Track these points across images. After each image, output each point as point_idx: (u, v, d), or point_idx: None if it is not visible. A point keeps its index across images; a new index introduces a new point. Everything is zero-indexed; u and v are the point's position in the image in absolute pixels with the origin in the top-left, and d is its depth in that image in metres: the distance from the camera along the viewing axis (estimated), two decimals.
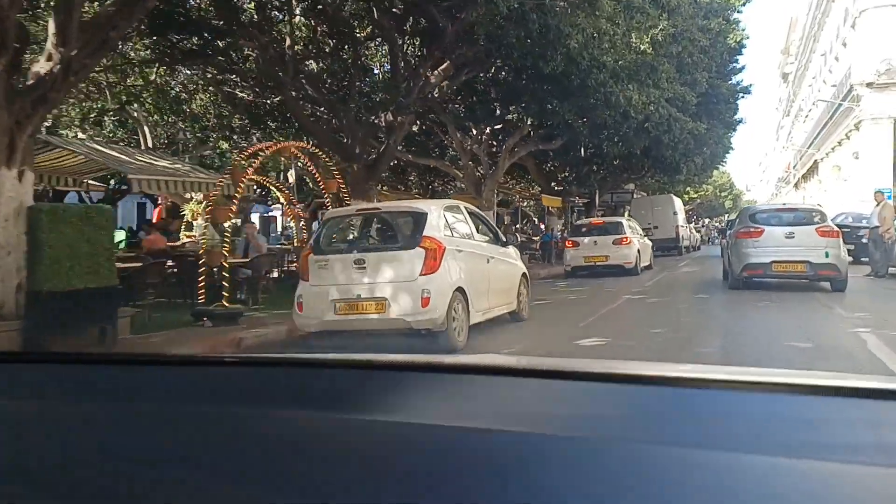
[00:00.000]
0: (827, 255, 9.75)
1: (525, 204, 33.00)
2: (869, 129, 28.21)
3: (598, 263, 15.58)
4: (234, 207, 8.08)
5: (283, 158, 15.31)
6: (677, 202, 26.72)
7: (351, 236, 7.15)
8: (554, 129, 17.34)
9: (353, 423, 0.80)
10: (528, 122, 17.09)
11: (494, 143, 19.08)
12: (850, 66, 29.41)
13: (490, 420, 0.77)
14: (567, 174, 24.92)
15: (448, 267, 6.28)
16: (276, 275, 11.63)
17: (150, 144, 17.96)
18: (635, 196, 30.69)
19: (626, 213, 28.80)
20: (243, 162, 8.70)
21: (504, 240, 8.16)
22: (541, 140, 19.05)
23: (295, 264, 10.60)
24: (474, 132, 18.24)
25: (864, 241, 13.97)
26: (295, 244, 11.26)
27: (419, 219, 6.48)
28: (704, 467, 0.64)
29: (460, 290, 6.38)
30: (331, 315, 6.18)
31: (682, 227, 26.40)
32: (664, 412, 0.83)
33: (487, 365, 1.10)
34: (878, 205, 12.78)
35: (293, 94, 12.52)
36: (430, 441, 0.73)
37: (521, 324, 7.97)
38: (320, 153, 9.79)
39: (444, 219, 6.68)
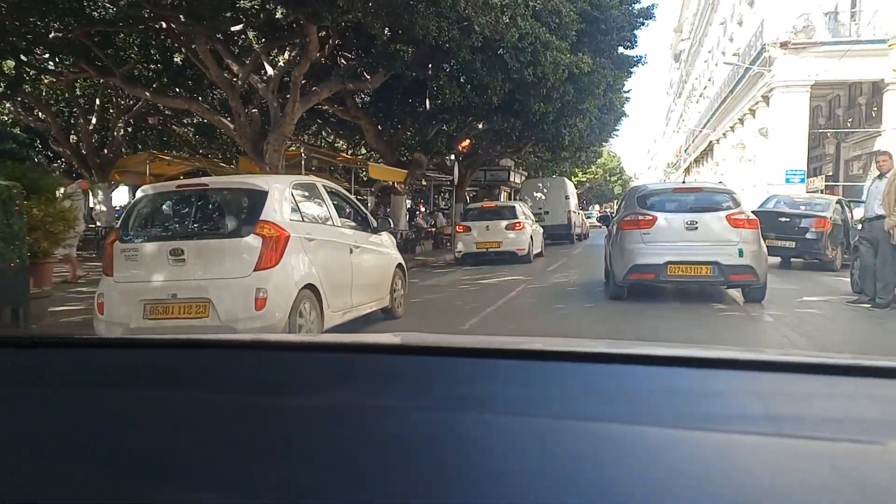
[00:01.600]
0: (741, 254, 7.27)
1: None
2: (781, 100, 25.27)
3: (490, 250, 15.08)
4: None
5: None
6: (570, 186, 25.86)
7: (169, 219, 5.75)
8: (365, 56, 13.67)
9: (300, 407, 0.81)
10: (323, 38, 12.59)
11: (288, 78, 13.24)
12: (762, 24, 24.52)
13: (375, 398, 0.82)
14: (410, 137, 18.26)
15: (293, 259, 5.25)
16: None
17: None
18: (524, 178, 29.75)
19: (517, 197, 27.90)
20: None
21: (375, 225, 7.12)
22: (350, 75, 14.35)
23: None
24: (246, 60, 13.17)
25: (810, 236, 11.57)
26: None
27: (257, 198, 5.33)
28: (605, 439, 0.68)
29: (311, 287, 5.39)
30: (139, 320, 5.04)
31: (575, 212, 25.35)
32: (565, 387, 0.86)
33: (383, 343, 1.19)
34: (879, 177, 7.55)
35: None
36: (372, 423, 0.75)
37: (395, 322, 7.18)
38: None
39: (291, 199, 5.59)
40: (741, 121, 31.14)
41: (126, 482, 0.66)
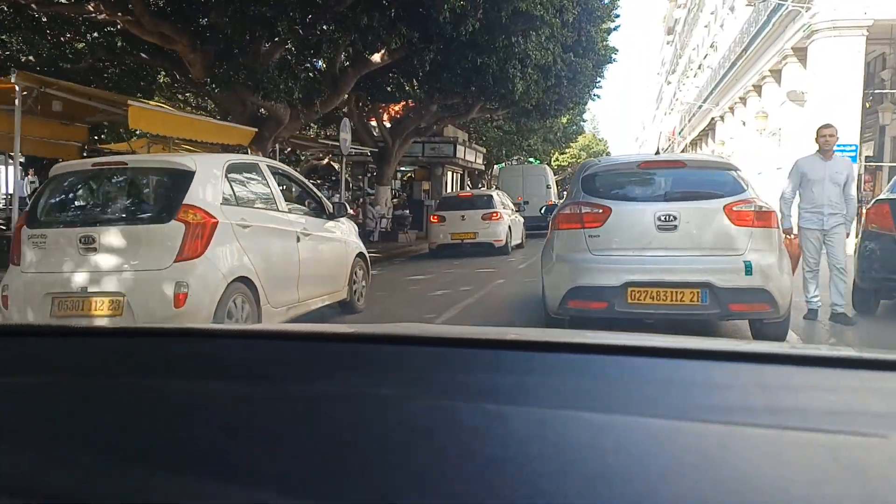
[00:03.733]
0: (748, 270, 4.84)
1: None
2: (825, 49, 18.52)
3: (465, 241, 14.67)
4: None
5: None
6: (549, 174, 25.16)
7: (83, 202, 5.39)
8: None
9: (303, 394, 0.84)
10: None
11: None
12: None
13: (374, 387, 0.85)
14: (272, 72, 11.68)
15: (223, 249, 4.89)
16: None
17: None
18: (482, 155, 28.06)
19: (482, 181, 28.21)
20: None
21: (331, 210, 6.66)
22: None
23: None
24: None
25: None
26: None
27: (181, 179, 4.91)
28: (606, 429, 0.70)
29: (244, 279, 5.04)
30: (45, 317, 4.72)
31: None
32: (566, 377, 0.89)
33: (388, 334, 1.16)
34: None
35: None
36: (379, 412, 0.77)
37: (354, 317, 6.88)
38: None
39: (223, 181, 5.18)
40: (757, 88, 24.70)
41: (124, 471, 0.68)
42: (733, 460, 0.63)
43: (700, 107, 39.03)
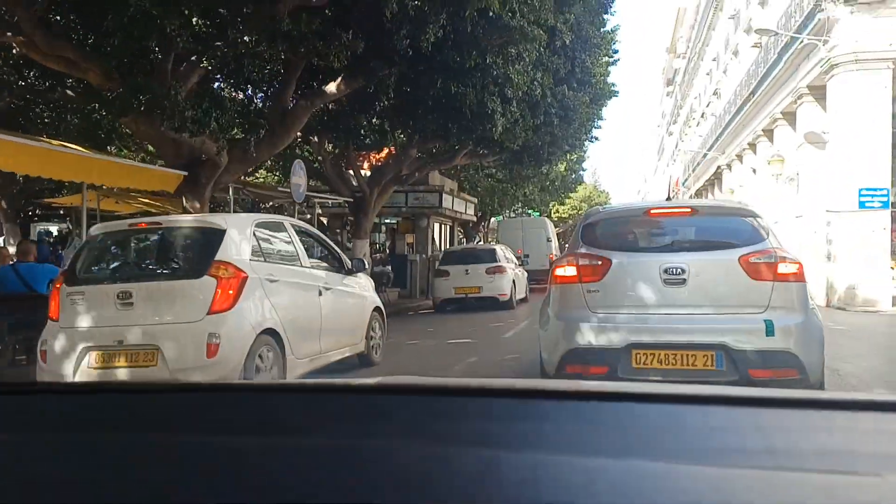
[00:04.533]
0: (769, 330, 4.41)
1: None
2: (847, 83, 16.58)
3: (469, 295, 14.65)
4: None
5: None
6: (550, 226, 24.99)
7: (119, 260, 5.84)
8: None
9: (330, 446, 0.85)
10: None
11: None
12: None
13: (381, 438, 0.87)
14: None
15: (251, 302, 5.24)
16: None
17: None
18: (473, 206, 26.41)
19: (478, 235, 27.77)
20: None
21: (350, 266, 7.09)
22: None
23: None
24: None
25: None
26: None
27: (212, 237, 5.32)
28: (601, 474, 0.70)
29: (271, 332, 5.37)
30: (83, 369, 5.05)
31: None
32: (560, 424, 0.91)
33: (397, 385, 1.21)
34: None
35: None
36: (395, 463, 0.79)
37: (371, 369, 7.04)
38: None
39: (252, 238, 5.59)
40: (768, 133, 23.00)
41: None
42: (729, 501, 0.64)
43: (705, 155, 37.48)
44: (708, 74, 42.61)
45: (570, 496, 0.64)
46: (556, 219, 46.92)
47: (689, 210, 5.08)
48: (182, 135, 9.42)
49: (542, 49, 12.68)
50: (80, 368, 4.93)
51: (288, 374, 5.37)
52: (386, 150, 18.92)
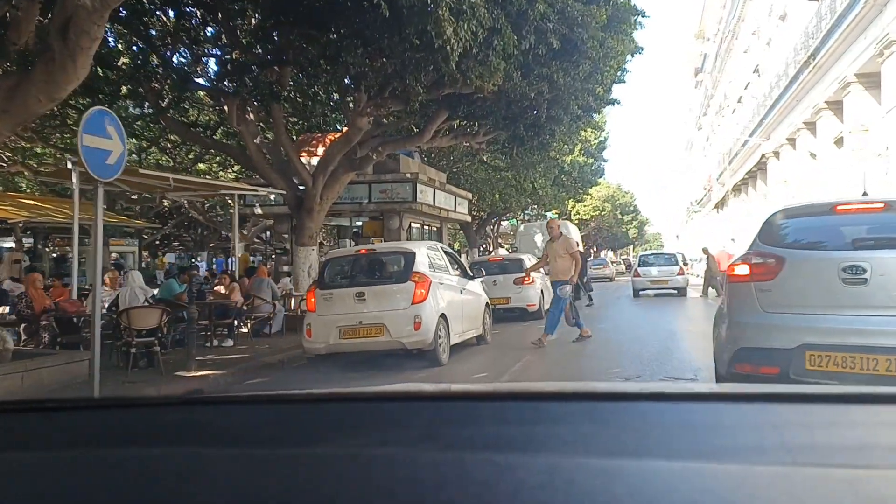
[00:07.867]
0: None
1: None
2: None
3: (497, 306, 13.75)
4: None
5: None
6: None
7: (351, 273, 9.10)
8: None
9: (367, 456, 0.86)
10: None
11: None
12: None
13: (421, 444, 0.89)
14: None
15: (433, 297, 8.49)
16: None
17: None
18: (467, 203, 22.14)
19: (498, 244, 28.33)
20: None
21: (471, 274, 10.42)
22: None
23: None
24: None
25: None
26: None
27: (409, 257, 8.72)
28: (618, 475, 0.70)
29: (443, 315, 8.64)
30: (336, 339, 8.34)
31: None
32: (576, 426, 0.90)
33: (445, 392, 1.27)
34: None
35: None
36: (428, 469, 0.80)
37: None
38: None
39: (427, 257, 8.96)
40: (833, 105, 18.37)
41: None
42: (749, 499, 0.63)
43: (744, 144, 32.56)
44: (745, 52, 37.80)
45: (589, 499, 0.64)
46: (576, 220, 41.59)
47: (881, 206, 4.83)
48: None
49: None
50: (335, 339, 8.21)
51: (451, 341, 8.67)
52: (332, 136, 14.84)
